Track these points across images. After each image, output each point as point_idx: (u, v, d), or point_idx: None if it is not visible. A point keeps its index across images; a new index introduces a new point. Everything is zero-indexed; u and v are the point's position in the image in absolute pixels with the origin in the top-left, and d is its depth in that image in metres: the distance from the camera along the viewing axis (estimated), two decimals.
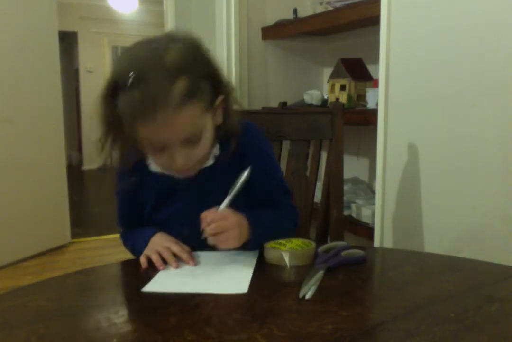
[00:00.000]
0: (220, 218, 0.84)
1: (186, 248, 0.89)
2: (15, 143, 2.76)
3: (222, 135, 0.93)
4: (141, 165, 0.94)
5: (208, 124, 0.87)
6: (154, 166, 0.94)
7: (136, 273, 0.85)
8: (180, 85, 0.78)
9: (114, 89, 0.80)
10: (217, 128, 0.91)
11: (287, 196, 1.05)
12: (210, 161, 0.93)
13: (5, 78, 2.69)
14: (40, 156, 2.93)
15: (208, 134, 0.87)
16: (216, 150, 0.94)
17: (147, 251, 0.88)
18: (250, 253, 0.90)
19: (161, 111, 0.77)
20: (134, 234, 0.98)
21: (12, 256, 2.75)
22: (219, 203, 0.86)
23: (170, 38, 0.85)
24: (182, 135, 0.82)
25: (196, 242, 0.87)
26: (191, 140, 0.84)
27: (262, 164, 0.97)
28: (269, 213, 0.97)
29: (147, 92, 0.77)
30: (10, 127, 2.72)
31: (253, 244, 0.89)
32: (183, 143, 0.83)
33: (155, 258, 0.85)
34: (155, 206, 0.98)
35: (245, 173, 0.86)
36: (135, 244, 0.96)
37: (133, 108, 0.78)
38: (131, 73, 0.77)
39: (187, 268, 0.85)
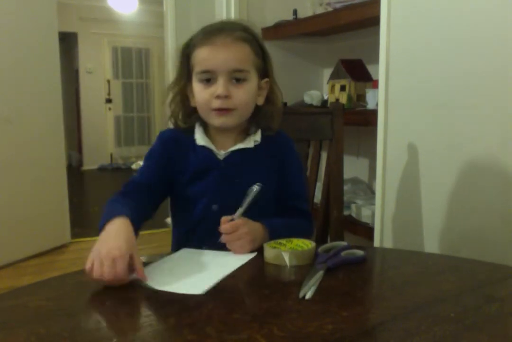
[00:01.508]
0: (233, 228, 0.89)
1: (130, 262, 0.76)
2: (15, 143, 2.76)
3: (262, 123, 1.03)
4: (188, 139, 1.03)
5: (253, 80, 0.99)
6: (200, 140, 1.01)
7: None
8: (243, 33, 0.98)
9: (189, 41, 0.99)
10: (259, 109, 1.03)
11: (305, 203, 1.09)
12: (251, 144, 1.02)
13: (5, 79, 2.69)
14: (40, 156, 2.92)
15: (251, 89, 0.98)
16: (258, 137, 1.03)
17: (92, 253, 0.76)
18: (246, 255, 0.89)
19: (223, 36, 0.95)
20: (112, 204, 0.94)
21: (12, 256, 2.75)
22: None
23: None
24: (231, 63, 0.95)
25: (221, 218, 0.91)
26: (237, 77, 0.96)
27: (293, 169, 1.07)
28: (286, 219, 1.01)
29: (218, 25, 0.99)
30: (10, 127, 2.72)
31: None
32: (229, 76, 0.95)
33: (95, 270, 0.73)
34: (190, 180, 1.01)
35: (255, 189, 0.91)
36: (102, 216, 0.87)
37: (203, 33, 0.97)
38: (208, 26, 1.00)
39: (168, 266, 0.84)
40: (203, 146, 1.01)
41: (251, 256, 0.89)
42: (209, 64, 0.95)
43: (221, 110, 0.96)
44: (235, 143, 1.01)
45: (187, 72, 1.01)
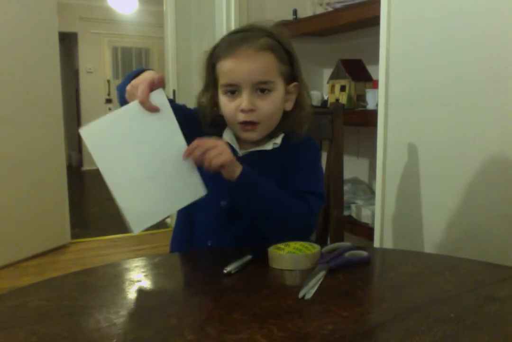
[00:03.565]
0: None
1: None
2: (15, 143, 2.76)
3: (288, 128, 1.01)
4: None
5: (279, 88, 0.97)
6: (226, 136, 1.01)
7: (136, 273, 0.85)
8: (268, 39, 0.95)
9: (213, 51, 0.98)
10: (287, 115, 1.01)
11: (316, 199, 1.00)
12: (270, 147, 1.01)
13: (5, 79, 2.69)
14: (40, 156, 2.93)
15: (277, 98, 0.96)
16: (278, 140, 1.01)
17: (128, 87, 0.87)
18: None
19: (246, 47, 0.92)
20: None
21: (12, 256, 2.75)
22: None
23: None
24: (255, 76, 0.93)
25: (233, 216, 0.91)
26: (261, 89, 0.94)
27: (303, 168, 1.02)
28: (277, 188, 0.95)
29: (240, 35, 0.95)
30: (10, 127, 2.72)
31: (241, 186, 0.89)
32: (254, 88, 0.94)
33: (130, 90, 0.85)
34: (205, 171, 0.96)
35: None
36: (124, 79, 0.93)
37: (226, 43, 0.95)
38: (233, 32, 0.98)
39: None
40: (226, 142, 0.98)
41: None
42: (233, 77, 0.94)
43: (246, 125, 0.95)
44: (257, 145, 1.01)
45: (213, 82, 0.99)
